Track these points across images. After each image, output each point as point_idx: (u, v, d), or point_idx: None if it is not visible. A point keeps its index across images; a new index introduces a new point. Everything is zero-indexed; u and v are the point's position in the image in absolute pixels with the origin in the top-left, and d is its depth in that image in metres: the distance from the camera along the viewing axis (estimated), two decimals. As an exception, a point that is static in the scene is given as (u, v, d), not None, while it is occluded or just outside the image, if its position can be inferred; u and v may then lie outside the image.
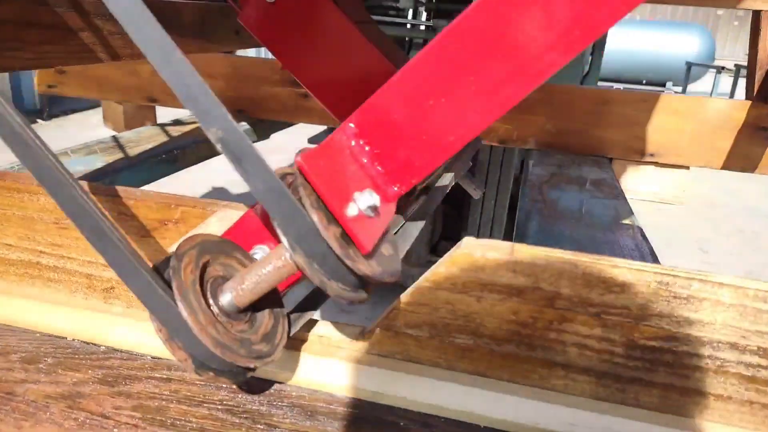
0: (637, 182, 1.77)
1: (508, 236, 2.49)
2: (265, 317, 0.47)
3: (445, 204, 2.78)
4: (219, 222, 0.53)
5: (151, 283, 0.40)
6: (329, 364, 0.55)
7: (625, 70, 8.65)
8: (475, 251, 0.50)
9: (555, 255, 0.49)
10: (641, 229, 1.14)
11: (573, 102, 1.65)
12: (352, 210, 0.40)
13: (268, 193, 0.36)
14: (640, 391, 0.50)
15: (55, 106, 6.70)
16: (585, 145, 1.69)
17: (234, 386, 0.54)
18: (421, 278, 0.52)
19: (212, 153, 1.79)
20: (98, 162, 1.41)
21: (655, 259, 0.97)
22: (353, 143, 0.46)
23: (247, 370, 0.46)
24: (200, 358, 0.42)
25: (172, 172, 1.64)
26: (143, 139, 1.72)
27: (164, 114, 2.12)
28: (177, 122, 1.97)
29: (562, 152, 1.69)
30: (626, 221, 1.20)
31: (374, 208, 0.41)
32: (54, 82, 2.04)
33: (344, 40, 0.97)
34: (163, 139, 1.73)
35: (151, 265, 0.44)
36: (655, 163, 1.71)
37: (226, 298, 0.44)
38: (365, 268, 0.38)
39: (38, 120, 6.34)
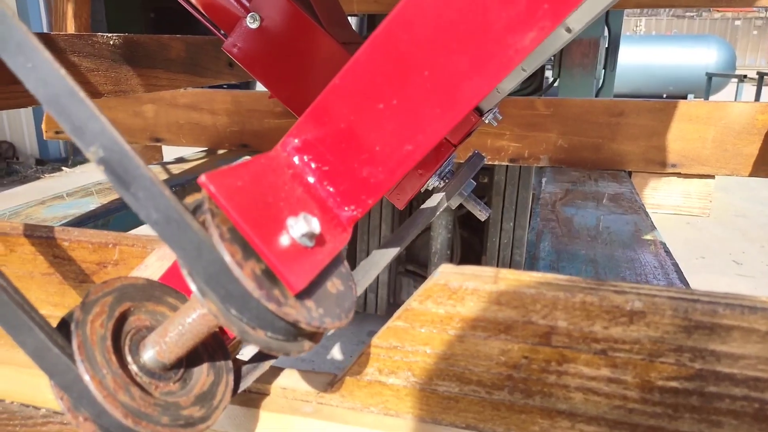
0: (659, 195, 1.67)
1: (530, 259, 2.38)
2: (202, 373, 0.40)
3: (462, 229, 2.68)
4: (159, 261, 0.46)
5: (45, 340, 0.33)
6: (293, 423, 0.47)
7: (645, 85, 8.48)
8: (452, 281, 0.42)
9: (547, 281, 0.41)
10: (664, 245, 1.04)
11: (585, 115, 1.57)
12: (283, 240, 0.33)
13: (165, 224, 0.29)
14: (663, 442, 0.41)
15: (80, 154, 6.79)
16: (601, 159, 1.61)
17: (184, 452, 0.46)
18: (393, 316, 0.44)
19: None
20: (92, 204, 1.36)
21: (680, 277, 0.87)
22: (296, 160, 0.39)
23: (181, 438, 0.38)
24: (111, 430, 0.34)
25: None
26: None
27: (174, 152, 2.08)
28: (180, 160, 1.93)
29: (576, 168, 1.61)
30: (648, 237, 1.10)
31: (312, 236, 0.33)
32: (60, 128, 2.04)
33: (332, 64, 0.92)
34: (163, 177, 1.68)
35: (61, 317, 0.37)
36: (678, 174, 1.62)
37: (149, 354, 0.37)
38: (295, 312, 0.30)
39: (63, 168, 6.43)
